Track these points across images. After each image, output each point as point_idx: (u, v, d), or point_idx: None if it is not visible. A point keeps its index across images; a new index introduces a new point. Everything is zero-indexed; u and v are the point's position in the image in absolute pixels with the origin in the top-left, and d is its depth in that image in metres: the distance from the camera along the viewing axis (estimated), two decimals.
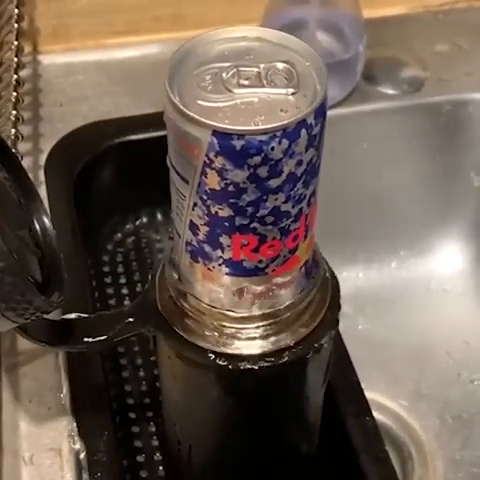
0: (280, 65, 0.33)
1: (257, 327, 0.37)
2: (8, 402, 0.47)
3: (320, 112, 0.33)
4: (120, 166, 0.64)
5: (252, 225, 0.34)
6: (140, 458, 0.53)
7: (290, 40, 0.35)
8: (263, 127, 0.31)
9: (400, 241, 0.72)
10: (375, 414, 0.53)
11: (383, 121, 0.67)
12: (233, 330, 0.37)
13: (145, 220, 0.67)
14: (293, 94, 0.33)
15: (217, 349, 0.37)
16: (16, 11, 0.56)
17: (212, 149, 0.31)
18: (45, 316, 0.36)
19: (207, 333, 0.38)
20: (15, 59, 0.53)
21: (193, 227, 0.35)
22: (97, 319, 0.41)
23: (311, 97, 0.33)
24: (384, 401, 0.65)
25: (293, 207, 0.34)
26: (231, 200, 0.33)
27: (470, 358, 0.68)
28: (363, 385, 0.49)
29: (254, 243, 0.34)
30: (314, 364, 0.40)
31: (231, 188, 0.32)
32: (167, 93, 0.32)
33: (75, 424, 0.46)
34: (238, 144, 0.31)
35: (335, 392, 0.48)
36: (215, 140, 0.31)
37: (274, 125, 0.31)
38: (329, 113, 0.64)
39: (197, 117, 0.31)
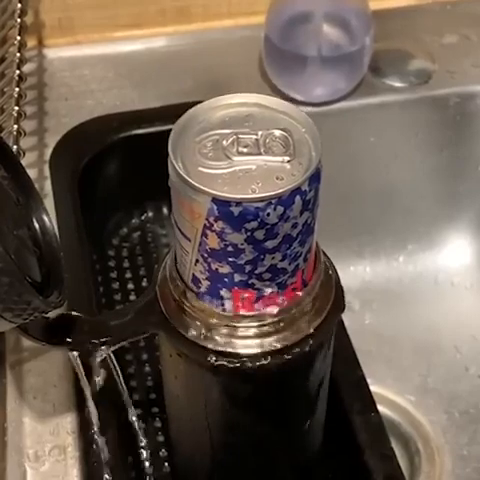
0: (277, 132, 0.35)
1: (258, 326, 0.37)
2: (13, 398, 0.48)
3: (314, 179, 0.34)
4: (126, 160, 0.64)
5: (250, 281, 0.36)
6: (145, 454, 0.53)
7: (287, 107, 0.36)
8: (259, 195, 0.33)
9: (408, 235, 0.72)
10: (382, 409, 0.53)
11: (390, 114, 0.67)
12: (234, 329, 0.37)
13: (151, 214, 0.67)
14: (289, 162, 0.34)
15: (218, 348, 0.37)
16: (19, 6, 0.56)
17: (212, 214, 0.34)
18: (46, 315, 0.36)
19: (207, 332, 0.37)
20: (18, 54, 0.53)
21: (195, 280, 0.37)
22: (99, 318, 0.41)
23: (306, 164, 0.34)
24: (391, 396, 0.65)
25: (289, 264, 0.36)
26: (230, 259, 0.35)
27: (478, 352, 0.68)
28: (370, 380, 0.49)
29: (253, 296, 0.37)
30: (317, 362, 0.40)
31: (230, 248, 0.34)
32: (170, 160, 0.34)
33: (79, 420, 0.46)
34: (236, 210, 0.33)
35: (340, 388, 0.48)
36: (214, 206, 0.33)
37: (270, 194, 0.33)
38: (336, 106, 0.65)
39: (198, 185, 0.33)
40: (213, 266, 0.36)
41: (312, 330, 0.38)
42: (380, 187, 0.69)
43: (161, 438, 0.54)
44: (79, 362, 0.42)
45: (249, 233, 0.34)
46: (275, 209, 0.33)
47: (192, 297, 0.37)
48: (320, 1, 0.62)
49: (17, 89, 0.51)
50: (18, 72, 0.52)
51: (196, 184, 0.33)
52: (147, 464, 0.52)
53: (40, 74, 0.67)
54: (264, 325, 0.37)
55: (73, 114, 0.64)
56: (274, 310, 0.37)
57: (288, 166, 0.34)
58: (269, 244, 0.34)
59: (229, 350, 0.37)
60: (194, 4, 0.70)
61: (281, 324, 0.37)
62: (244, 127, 0.35)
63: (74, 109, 0.65)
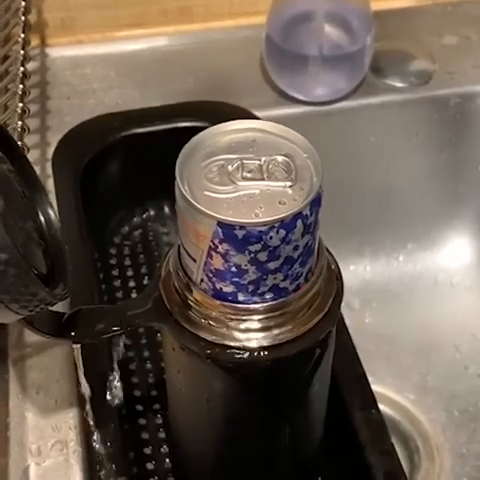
0: (280, 158, 0.37)
1: (261, 319, 0.37)
2: (15, 394, 0.48)
3: (315, 203, 0.36)
4: (127, 159, 0.64)
5: (253, 299, 0.37)
6: (147, 450, 0.53)
7: (289, 133, 0.38)
8: (262, 220, 0.35)
9: (407, 234, 0.72)
10: (382, 407, 0.53)
11: (391, 114, 0.67)
12: (237, 322, 0.37)
13: (152, 213, 0.67)
14: (291, 187, 0.36)
15: (220, 341, 0.37)
16: (23, 4, 0.56)
17: (217, 236, 0.35)
18: (50, 308, 0.36)
19: (211, 325, 0.38)
20: (21, 52, 0.53)
21: None
22: (102, 311, 0.41)
23: (307, 189, 0.36)
24: (391, 394, 0.65)
25: (291, 284, 0.37)
26: (234, 279, 0.36)
27: (478, 351, 0.68)
28: (370, 378, 0.49)
29: None
30: (318, 357, 0.40)
31: (234, 269, 0.36)
32: (177, 184, 0.36)
33: (82, 416, 0.46)
34: (240, 233, 0.35)
35: (341, 385, 0.48)
36: (220, 229, 0.35)
37: (272, 218, 0.35)
38: (337, 105, 0.65)
39: (204, 209, 0.35)
40: (217, 285, 0.37)
41: (314, 324, 0.38)
42: (380, 186, 0.70)
43: (162, 434, 0.54)
44: (80, 357, 0.42)
45: (252, 255, 0.35)
46: (277, 232, 0.35)
47: (196, 291, 0.38)
48: (321, 1, 0.62)
49: (21, 86, 0.51)
50: (22, 69, 0.52)
51: (202, 208, 0.35)
52: (149, 460, 0.53)
53: (42, 73, 0.67)
54: (267, 319, 0.37)
55: (75, 113, 0.64)
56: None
57: (290, 191, 0.36)
58: (271, 265, 0.36)
59: (232, 344, 0.37)
60: (195, 4, 0.70)
61: (284, 318, 0.38)
62: (248, 152, 0.37)
63: (76, 108, 0.65)
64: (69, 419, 0.47)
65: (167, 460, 0.53)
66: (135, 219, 0.67)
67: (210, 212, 0.35)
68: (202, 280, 0.37)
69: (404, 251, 0.72)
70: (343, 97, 0.65)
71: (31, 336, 0.48)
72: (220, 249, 0.35)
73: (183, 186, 0.36)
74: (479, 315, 0.70)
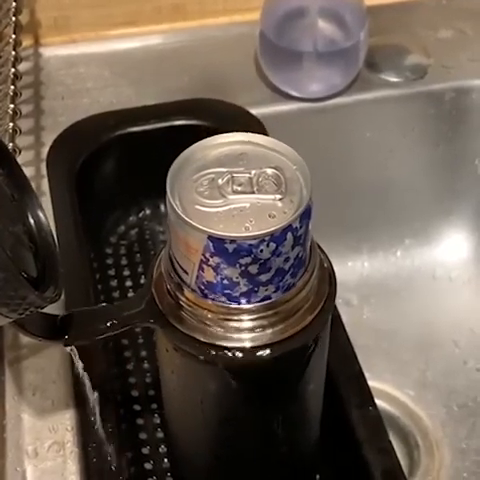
0: (269, 171, 0.37)
1: (254, 319, 0.37)
2: (11, 395, 0.48)
3: (305, 215, 0.36)
4: (122, 158, 0.64)
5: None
6: (145, 450, 0.53)
7: (279, 145, 0.38)
8: (252, 234, 0.35)
9: (405, 230, 0.72)
10: (381, 403, 0.53)
11: (386, 109, 0.67)
12: (229, 322, 0.37)
13: (148, 212, 0.67)
14: (280, 199, 0.36)
15: (213, 341, 0.37)
16: (14, 4, 0.56)
17: (208, 250, 0.35)
18: (42, 310, 0.36)
19: (203, 326, 0.38)
20: (13, 53, 0.53)
21: None
22: (96, 313, 0.41)
23: (297, 202, 0.36)
24: (390, 390, 0.65)
25: (283, 294, 0.38)
26: (226, 291, 0.37)
27: (476, 346, 0.68)
28: (368, 375, 0.49)
29: None
30: (312, 355, 0.40)
31: (225, 281, 0.36)
32: (168, 199, 0.36)
33: (79, 417, 0.46)
34: (231, 247, 0.35)
35: (338, 383, 0.48)
36: (210, 243, 0.35)
37: (262, 232, 0.35)
38: (332, 101, 0.65)
39: (195, 224, 0.35)
40: (209, 297, 0.37)
41: (307, 323, 0.38)
42: (377, 182, 0.69)
43: (160, 434, 0.54)
44: (77, 357, 0.42)
45: (243, 268, 0.36)
46: (268, 245, 0.35)
47: (188, 291, 0.38)
48: None
49: (12, 87, 0.51)
50: (13, 70, 0.52)
51: (193, 223, 0.35)
52: (147, 460, 0.53)
53: (36, 73, 0.67)
54: (259, 318, 0.37)
55: (69, 112, 0.64)
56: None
57: (280, 204, 0.36)
58: (263, 277, 0.36)
59: (225, 344, 0.37)
60: (190, 1, 0.70)
61: (277, 317, 0.38)
62: (238, 166, 0.37)
63: (70, 107, 0.65)
64: (66, 420, 0.47)
65: (165, 460, 0.53)
66: (131, 218, 0.67)
67: (201, 226, 0.35)
68: (194, 291, 0.38)
69: (402, 247, 0.72)
70: (338, 93, 0.65)
71: (27, 337, 0.47)
72: (211, 262, 0.36)
73: (174, 200, 0.36)
74: (477, 310, 0.70)
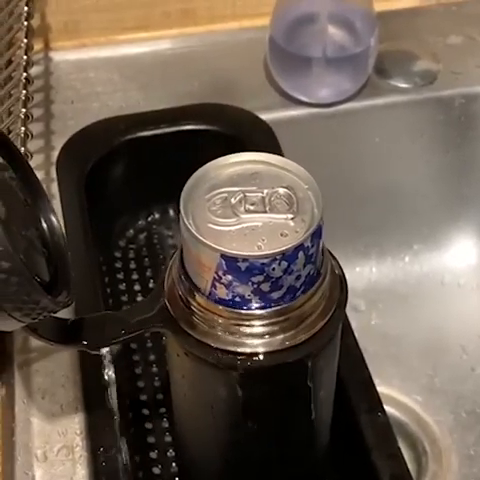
0: (281, 190, 0.38)
1: (265, 325, 0.37)
2: (21, 399, 0.48)
3: (316, 234, 0.37)
4: (132, 162, 0.64)
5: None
6: (153, 454, 0.53)
7: (290, 165, 0.39)
8: (265, 253, 0.36)
9: (413, 235, 0.72)
10: (389, 409, 0.53)
11: (395, 115, 0.67)
12: (241, 328, 0.37)
13: (157, 216, 0.67)
14: (292, 219, 0.37)
15: (224, 347, 0.37)
16: (25, 9, 0.56)
17: (221, 268, 0.36)
18: (54, 315, 0.36)
19: (214, 331, 0.38)
20: (24, 57, 0.53)
21: None
22: (106, 318, 0.41)
23: (309, 221, 0.37)
24: (398, 396, 0.65)
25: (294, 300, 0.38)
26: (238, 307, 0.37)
27: None
28: (377, 380, 0.49)
29: None
30: (323, 361, 0.40)
31: (238, 299, 0.37)
32: (182, 217, 0.37)
33: (87, 421, 0.46)
34: (243, 266, 0.36)
35: (347, 388, 0.48)
36: (223, 261, 0.36)
37: (274, 251, 0.36)
38: (341, 107, 0.65)
39: (208, 242, 0.36)
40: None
41: (319, 329, 0.38)
42: (385, 188, 0.69)
43: (169, 438, 0.54)
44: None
45: (256, 285, 0.36)
46: (280, 264, 0.36)
47: (199, 297, 0.38)
48: (325, 2, 0.62)
49: (24, 91, 0.51)
50: (25, 75, 0.52)
51: (206, 241, 0.36)
52: (155, 464, 0.52)
53: (46, 77, 0.67)
54: (271, 324, 0.37)
55: (79, 117, 0.64)
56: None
57: (292, 223, 0.37)
58: (274, 295, 0.37)
59: (236, 349, 0.37)
60: (199, 6, 0.70)
61: (288, 323, 0.38)
62: (251, 185, 0.38)
63: (80, 112, 0.65)
64: (75, 424, 0.47)
65: (173, 464, 0.52)
66: (140, 222, 0.67)
67: (214, 245, 0.35)
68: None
69: (410, 252, 0.72)
70: (347, 99, 0.65)
71: (36, 341, 0.47)
72: (224, 280, 0.36)
73: (188, 219, 0.37)
74: None
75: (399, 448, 0.47)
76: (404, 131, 0.67)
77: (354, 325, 0.51)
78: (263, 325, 0.37)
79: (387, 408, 0.49)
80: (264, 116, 0.64)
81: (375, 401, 0.48)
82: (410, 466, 0.48)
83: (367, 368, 0.49)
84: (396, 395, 0.65)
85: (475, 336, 0.68)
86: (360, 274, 0.71)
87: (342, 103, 0.65)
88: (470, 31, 0.71)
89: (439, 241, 0.72)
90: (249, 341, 0.37)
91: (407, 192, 0.70)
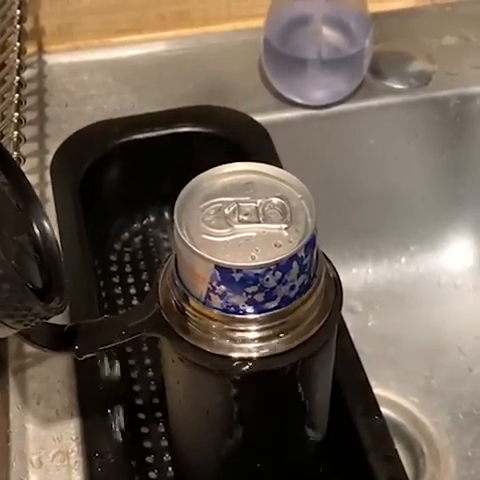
0: (275, 200, 0.38)
1: (260, 329, 0.37)
2: (16, 404, 0.48)
3: (310, 244, 0.37)
4: (126, 165, 0.64)
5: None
6: (149, 459, 0.53)
7: (284, 174, 0.39)
8: (259, 263, 0.36)
9: (410, 236, 0.72)
10: (386, 411, 0.53)
11: (390, 116, 0.67)
12: (235, 333, 0.37)
13: (152, 219, 0.67)
14: (286, 229, 0.37)
15: (219, 352, 0.37)
16: (18, 12, 0.56)
17: (215, 279, 0.36)
18: (46, 321, 0.36)
19: (209, 336, 0.38)
20: (17, 61, 0.53)
21: None
22: (100, 323, 0.41)
23: (302, 231, 0.37)
24: (395, 398, 0.65)
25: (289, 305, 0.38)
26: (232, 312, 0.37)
27: None
28: (373, 382, 0.49)
29: None
30: (319, 365, 0.40)
31: (232, 309, 0.37)
32: (176, 228, 0.37)
33: (83, 426, 0.46)
34: (237, 276, 0.36)
35: (343, 391, 0.48)
36: (217, 272, 0.36)
37: (268, 261, 0.36)
38: (336, 108, 0.65)
39: (202, 253, 0.36)
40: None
41: (314, 333, 0.38)
42: (381, 189, 0.69)
43: (165, 443, 0.53)
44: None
45: (250, 296, 0.36)
46: (274, 274, 0.36)
47: (194, 302, 0.37)
48: (319, 4, 0.62)
49: (17, 95, 0.51)
50: (18, 78, 0.52)
51: (200, 252, 0.36)
52: (151, 469, 0.52)
53: (40, 80, 0.67)
54: (266, 329, 0.37)
55: (73, 120, 0.64)
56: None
57: (285, 233, 0.37)
58: (269, 305, 0.37)
59: (231, 354, 0.37)
60: (193, 8, 0.70)
61: (283, 327, 0.38)
62: (245, 195, 0.38)
63: (74, 115, 0.65)
64: (70, 429, 0.46)
65: (169, 469, 0.52)
66: (135, 225, 0.67)
67: (208, 256, 0.35)
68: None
69: (407, 253, 0.72)
70: (342, 100, 0.65)
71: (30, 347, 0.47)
72: (218, 290, 0.36)
73: (181, 230, 0.36)
74: None
75: (396, 450, 0.47)
76: (399, 132, 0.67)
77: (350, 327, 0.51)
78: (258, 330, 0.37)
79: (384, 410, 0.49)
80: (259, 118, 0.64)
81: (372, 403, 0.48)
82: (408, 468, 0.48)
83: (363, 370, 0.49)
84: (393, 397, 0.65)
85: (472, 337, 0.68)
86: (356, 276, 0.71)
87: (337, 104, 0.65)
88: (465, 32, 0.71)
89: (435, 242, 0.72)
90: (244, 346, 0.37)
91: (403, 193, 0.70)
